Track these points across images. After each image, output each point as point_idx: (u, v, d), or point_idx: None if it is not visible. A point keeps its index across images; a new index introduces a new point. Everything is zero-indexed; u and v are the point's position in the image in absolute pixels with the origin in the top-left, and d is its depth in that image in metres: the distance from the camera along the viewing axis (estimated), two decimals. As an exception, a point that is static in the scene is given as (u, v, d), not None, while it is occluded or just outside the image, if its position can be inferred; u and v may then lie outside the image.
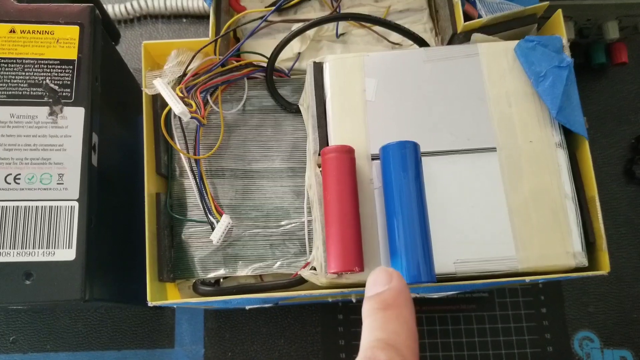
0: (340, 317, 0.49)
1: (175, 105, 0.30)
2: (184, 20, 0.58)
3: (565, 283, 0.49)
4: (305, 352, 0.48)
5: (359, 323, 0.48)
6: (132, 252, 0.38)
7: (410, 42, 0.36)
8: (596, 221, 0.31)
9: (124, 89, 0.40)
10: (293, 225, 0.35)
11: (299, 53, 0.38)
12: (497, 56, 0.33)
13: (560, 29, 0.33)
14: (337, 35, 0.38)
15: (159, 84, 0.31)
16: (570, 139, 0.32)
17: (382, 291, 0.23)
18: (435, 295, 0.40)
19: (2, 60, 0.33)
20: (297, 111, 0.36)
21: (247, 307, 0.42)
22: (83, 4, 0.34)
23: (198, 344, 0.49)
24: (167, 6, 0.56)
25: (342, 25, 0.39)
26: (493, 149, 0.31)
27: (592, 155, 0.50)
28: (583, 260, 0.30)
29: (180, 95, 0.32)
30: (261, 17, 0.37)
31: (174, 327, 0.49)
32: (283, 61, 0.38)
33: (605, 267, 0.30)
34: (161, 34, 0.58)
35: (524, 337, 0.47)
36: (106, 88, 0.36)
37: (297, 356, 0.48)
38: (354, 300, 0.43)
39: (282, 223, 0.35)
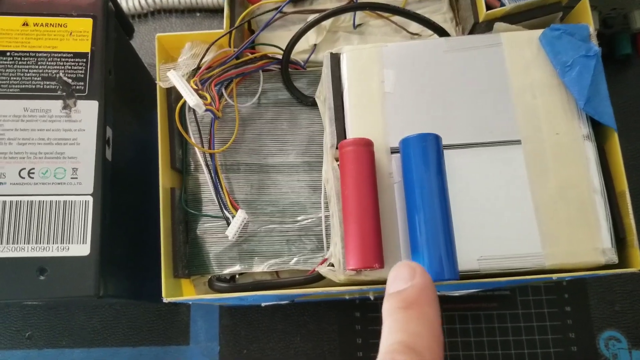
0: (358, 315, 0.48)
1: (190, 98, 0.29)
2: (198, 14, 0.57)
3: (591, 281, 0.47)
4: (321, 350, 0.47)
5: (376, 321, 0.47)
6: (146, 248, 0.37)
7: (430, 32, 0.35)
8: (627, 216, 0.29)
9: (138, 83, 0.39)
10: (310, 220, 0.34)
11: (315, 45, 0.37)
12: (520, 46, 0.32)
13: (587, 17, 0.32)
14: (354, 26, 0.37)
15: (173, 76, 0.30)
16: (598, 131, 0.31)
17: (404, 288, 0.22)
18: (456, 293, 0.39)
19: (16, 54, 0.32)
20: (313, 104, 0.35)
21: (263, 304, 0.41)
22: (96, -4, 0.34)
23: (213, 341, 0.48)
24: (181, 1, 0.56)
25: (359, 15, 0.38)
26: (518, 142, 0.30)
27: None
28: (613, 257, 0.29)
29: (195, 87, 0.31)
30: (276, 9, 0.36)
31: (189, 324, 0.49)
32: (299, 53, 0.37)
33: (636, 264, 0.29)
34: (175, 29, 0.57)
35: (548, 337, 0.46)
36: (120, 81, 0.35)
37: (314, 354, 0.47)
38: (371, 298, 0.42)
39: (299, 218, 0.34)
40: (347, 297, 0.43)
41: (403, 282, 0.22)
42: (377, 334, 0.46)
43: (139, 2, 0.56)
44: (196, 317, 0.49)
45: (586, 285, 0.47)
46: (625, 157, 0.49)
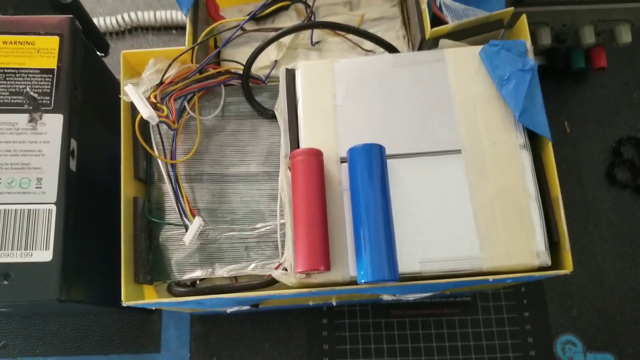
0: (325, 322, 0.49)
1: (144, 110, 0.31)
2: (174, 31, 0.59)
3: (549, 287, 0.49)
4: (289, 356, 0.49)
5: (343, 327, 0.49)
6: (114, 255, 0.38)
7: (382, 49, 0.37)
8: (559, 221, 0.31)
9: (108, 97, 0.41)
10: (268, 228, 0.36)
11: (276, 61, 0.39)
12: (463, 61, 0.34)
13: (525, 34, 0.34)
14: (313, 43, 0.39)
15: (129, 90, 0.32)
16: (535, 140, 0.33)
17: None
18: (410, 298, 0.40)
19: (-15, 70, 0.34)
20: (273, 116, 0.37)
21: (228, 311, 0.42)
22: (63, 16, 0.36)
23: (184, 348, 0.49)
24: (157, 18, 0.58)
25: (318, 33, 0.40)
26: (458, 151, 0.32)
27: (575, 158, 0.52)
28: (546, 260, 0.30)
29: (154, 101, 0.33)
30: (237, 25, 0.38)
31: (160, 332, 0.50)
32: (261, 68, 0.39)
33: (568, 266, 0.30)
34: (151, 45, 0.59)
35: (507, 342, 0.48)
36: (88, 96, 0.37)
37: (282, 360, 0.49)
38: (334, 304, 0.44)
39: (257, 226, 0.36)
40: (310, 302, 0.44)
41: None
42: (344, 340, 0.48)
43: (117, 20, 0.58)
44: (168, 325, 0.50)
45: (544, 292, 0.49)
46: (580, 167, 0.51)
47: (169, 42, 0.59)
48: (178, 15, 0.58)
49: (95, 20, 0.57)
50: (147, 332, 0.50)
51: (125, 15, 0.58)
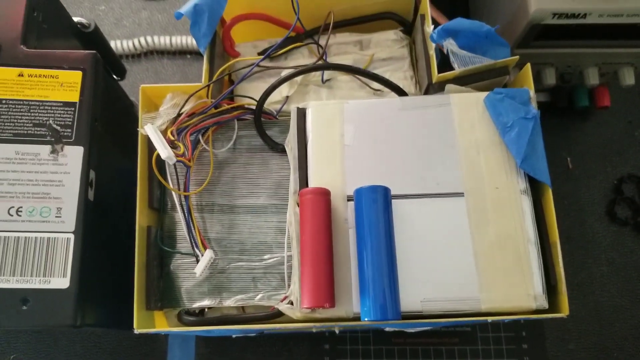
0: (327, 347, 0.50)
1: (162, 151, 0.32)
2: (188, 56, 0.61)
3: (547, 320, 0.50)
4: (291, 380, 0.50)
5: (345, 353, 0.50)
6: (126, 280, 0.40)
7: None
8: (557, 265, 0.32)
9: (124, 125, 0.43)
10: (275, 259, 0.37)
11: (287, 97, 0.41)
12: (468, 106, 0.35)
13: (529, 82, 0.35)
14: (323, 81, 0.41)
15: (149, 130, 0.33)
16: (535, 186, 0.34)
17: None
18: (412, 330, 0.42)
19: (10, 102, 0.35)
20: (283, 151, 0.38)
21: (234, 335, 0.44)
22: (86, 51, 0.37)
23: (189, 369, 0.50)
24: (172, 43, 0.60)
25: (328, 72, 0.41)
26: (461, 194, 0.33)
27: (576, 194, 0.53)
28: (543, 303, 0.32)
29: (172, 137, 0.34)
30: (253, 63, 0.40)
31: (166, 352, 0.51)
32: (272, 103, 0.40)
33: (564, 310, 0.32)
34: (166, 69, 0.61)
35: (505, 372, 0.48)
36: (106, 126, 0.38)
37: (284, 384, 0.50)
38: (337, 332, 0.45)
39: (265, 257, 0.37)
40: (314, 330, 0.45)
41: None
42: (346, 366, 0.49)
43: (133, 44, 0.60)
44: (173, 345, 0.51)
45: (543, 324, 0.50)
46: (582, 204, 0.52)
47: (183, 66, 0.61)
48: (192, 41, 0.60)
49: (112, 43, 0.59)
50: (153, 352, 0.51)
51: (142, 39, 0.60)
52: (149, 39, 0.60)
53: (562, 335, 0.49)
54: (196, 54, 0.61)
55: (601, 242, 0.52)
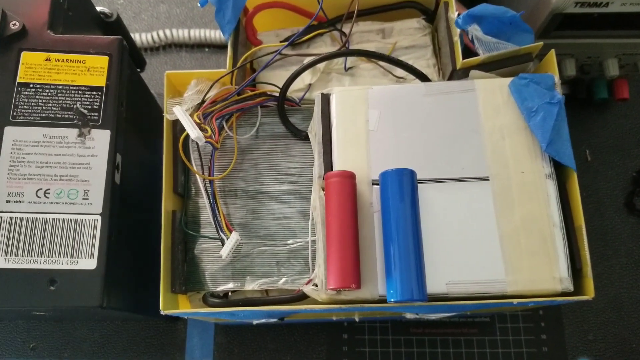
0: (345, 337, 0.51)
1: (192, 131, 0.33)
2: (206, 49, 0.62)
3: (566, 311, 0.50)
4: (310, 370, 0.50)
5: (363, 343, 0.50)
6: (149, 265, 0.40)
7: (414, 76, 0.39)
8: (582, 249, 0.32)
9: (147, 114, 0.43)
10: (298, 244, 0.37)
11: (310, 84, 0.41)
12: (492, 92, 0.35)
13: (553, 68, 0.35)
14: (346, 69, 0.41)
15: (178, 111, 0.34)
16: (560, 171, 0.34)
17: None
18: (432, 317, 0.42)
19: (38, 86, 0.36)
20: (306, 138, 0.39)
21: (255, 322, 0.44)
22: (113, 37, 0.38)
23: (207, 357, 0.51)
24: (191, 36, 0.60)
25: (351, 59, 0.41)
26: (486, 178, 0.34)
27: (595, 186, 0.53)
28: (569, 286, 0.32)
29: (198, 121, 0.35)
30: (276, 51, 0.40)
31: (185, 340, 0.51)
32: (295, 91, 0.41)
33: (590, 292, 0.32)
34: (184, 62, 0.61)
35: (524, 363, 0.48)
36: (130, 112, 0.39)
37: (302, 373, 0.50)
38: (357, 320, 0.45)
39: (288, 242, 0.37)
40: (334, 317, 0.45)
41: None
42: (363, 356, 0.49)
43: (152, 37, 0.60)
44: (192, 334, 0.51)
45: (562, 315, 0.50)
46: (600, 195, 0.52)
47: (202, 60, 0.61)
48: (211, 34, 0.60)
49: (131, 36, 0.60)
50: (172, 340, 0.51)
51: (161, 32, 0.60)
52: (167, 32, 0.60)
53: (581, 326, 0.49)
54: (214, 47, 0.62)
55: (620, 234, 0.52)
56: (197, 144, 0.38)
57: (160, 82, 0.60)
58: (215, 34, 0.60)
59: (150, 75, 0.61)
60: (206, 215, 0.38)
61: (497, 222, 0.33)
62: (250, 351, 0.50)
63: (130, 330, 0.52)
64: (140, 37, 0.60)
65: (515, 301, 0.31)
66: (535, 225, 0.32)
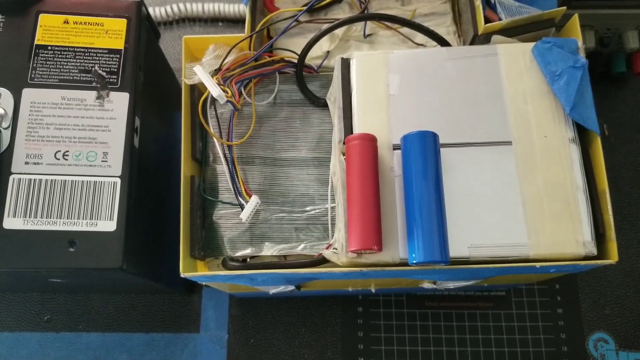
0: (360, 310, 0.50)
1: (214, 89, 0.33)
2: (220, 24, 0.61)
3: (582, 285, 0.50)
4: (324, 342, 0.50)
5: (377, 316, 0.50)
6: (166, 231, 0.40)
7: (434, 43, 0.38)
8: (606, 213, 0.32)
9: (163, 81, 0.43)
10: (317, 211, 0.37)
11: (328, 51, 0.40)
12: (515, 56, 0.35)
13: (577, 33, 0.35)
14: (365, 36, 0.41)
15: (199, 71, 0.33)
16: (583, 135, 0.34)
17: None
18: (451, 285, 0.41)
19: (56, 48, 0.36)
20: (324, 105, 0.38)
21: (271, 292, 0.44)
22: (131, 0, 0.37)
23: (222, 330, 0.51)
24: (205, 10, 0.60)
25: (370, 26, 0.41)
26: (509, 143, 0.33)
27: (612, 160, 0.52)
28: (592, 249, 0.31)
29: (219, 83, 0.34)
30: (293, 17, 0.40)
31: (200, 313, 0.51)
32: (313, 59, 0.40)
33: (613, 256, 0.31)
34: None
35: (539, 336, 0.48)
36: (148, 77, 0.38)
37: (317, 345, 0.50)
38: (373, 290, 0.45)
39: (307, 209, 0.37)
40: (350, 288, 0.45)
41: None
42: (378, 328, 0.49)
43: (166, 10, 0.60)
44: (207, 306, 0.52)
45: (578, 289, 0.49)
46: (617, 169, 0.52)
47: (215, 34, 0.60)
48: (225, 8, 0.60)
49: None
50: (187, 313, 0.51)
51: (175, 6, 0.60)
52: (181, 5, 0.60)
53: (598, 300, 0.49)
54: (228, 21, 0.61)
55: (637, 209, 0.51)
56: (215, 110, 0.37)
57: (174, 56, 0.60)
58: (229, 8, 0.60)
59: (164, 49, 0.59)
60: (224, 182, 0.38)
61: (519, 186, 0.32)
62: (265, 324, 0.50)
63: (145, 303, 0.52)
64: (155, 11, 0.60)
65: (538, 265, 0.31)
66: (558, 189, 0.32)
